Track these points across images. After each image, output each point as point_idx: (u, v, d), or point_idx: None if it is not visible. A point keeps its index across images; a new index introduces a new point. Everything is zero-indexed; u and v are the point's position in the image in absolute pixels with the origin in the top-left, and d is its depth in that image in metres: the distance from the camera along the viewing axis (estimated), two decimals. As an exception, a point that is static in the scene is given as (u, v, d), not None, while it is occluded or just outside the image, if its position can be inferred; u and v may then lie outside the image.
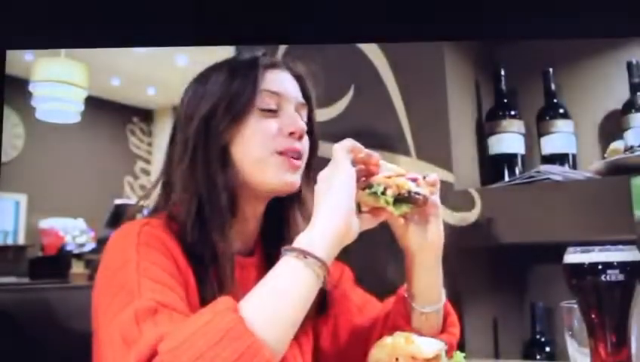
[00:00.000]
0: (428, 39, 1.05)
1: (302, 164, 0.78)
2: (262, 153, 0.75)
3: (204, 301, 0.68)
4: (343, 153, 0.69)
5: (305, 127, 0.78)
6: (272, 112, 0.76)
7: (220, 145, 0.74)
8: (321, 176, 0.69)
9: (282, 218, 0.82)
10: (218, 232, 0.72)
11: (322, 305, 0.80)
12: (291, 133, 0.76)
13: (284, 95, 0.78)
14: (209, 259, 0.71)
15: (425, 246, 0.75)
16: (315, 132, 0.83)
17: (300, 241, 0.64)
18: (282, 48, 1.08)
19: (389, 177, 0.71)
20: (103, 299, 0.66)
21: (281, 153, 0.75)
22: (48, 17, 0.89)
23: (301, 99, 0.80)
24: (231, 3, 0.91)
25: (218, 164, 0.74)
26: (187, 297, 0.67)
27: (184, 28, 0.93)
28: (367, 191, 0.70)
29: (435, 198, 0.74)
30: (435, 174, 0.75)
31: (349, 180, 0.67)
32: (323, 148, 1.21)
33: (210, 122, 0.74)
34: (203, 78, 0.79)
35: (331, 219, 0.65)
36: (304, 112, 0.81)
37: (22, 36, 0.91)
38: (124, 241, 0.69)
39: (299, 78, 0.81)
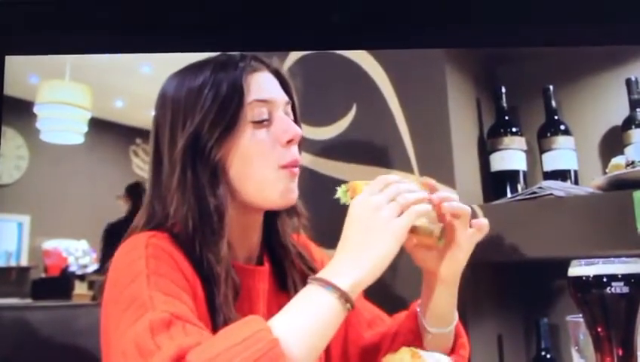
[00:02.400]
0: (428, 46, 1.06)
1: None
2: (263, 168, 0.73)
3: (212, 311, 0.69)
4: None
5: (300, 131, 0.76)
6: (265, 122, 0.74)
7: (211, 165, 0.72)
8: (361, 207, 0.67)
9: (273, 222, 0.82)
10: (213, 252, 0.71)
11: None
12: (289, 142, 0.74)
13: (273, 101, 0.75)
14: (212, 273, 0.70)
15: (442, 271, 0.74)
16: (299, 123, 0.80)
17: (328, 272, 0.64)
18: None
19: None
20: (113, 312, 0.65)
21: (284, 167, 0.74)
22: (50, 22, 0.88)
23: (286, 98, 0.78)
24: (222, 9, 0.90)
25: (209, 185, 0.72)
26: (196, 308, 0.67)
27: (183, 34, 0.91)
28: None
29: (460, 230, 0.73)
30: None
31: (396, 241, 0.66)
32: (327, 166, 1.23)
33: (197, 142, 0.72)
34: (181, 86, 0.75)
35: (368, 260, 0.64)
36: (289, 109, 0.78)
37: (22, 39, 0.90)
38: (132, 254, 0.68)
39: (277, 74, 0.79)
